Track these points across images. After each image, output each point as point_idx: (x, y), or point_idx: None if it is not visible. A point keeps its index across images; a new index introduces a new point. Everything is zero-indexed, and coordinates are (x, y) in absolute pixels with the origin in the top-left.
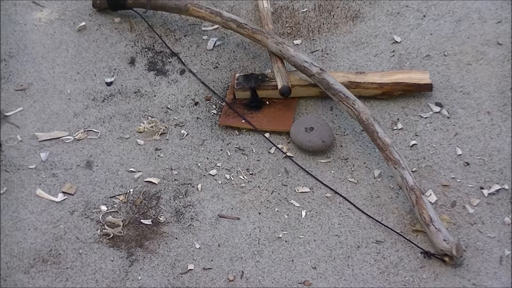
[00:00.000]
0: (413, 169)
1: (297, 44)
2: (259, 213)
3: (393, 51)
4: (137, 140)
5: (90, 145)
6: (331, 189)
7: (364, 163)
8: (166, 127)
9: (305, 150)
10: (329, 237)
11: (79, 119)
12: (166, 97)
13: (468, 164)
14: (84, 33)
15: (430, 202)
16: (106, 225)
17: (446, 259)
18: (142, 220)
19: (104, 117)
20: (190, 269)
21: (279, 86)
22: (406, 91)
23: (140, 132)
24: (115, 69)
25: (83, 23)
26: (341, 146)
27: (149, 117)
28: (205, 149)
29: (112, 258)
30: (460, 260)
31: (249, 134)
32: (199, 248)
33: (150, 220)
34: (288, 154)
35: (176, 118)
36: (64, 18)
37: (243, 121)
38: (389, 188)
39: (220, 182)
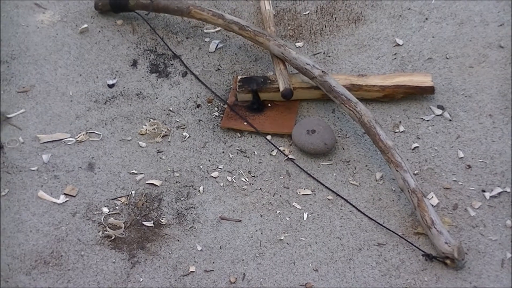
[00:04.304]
0: (415, 172)
1: (299, 46)
2: (261, 216)
3: (395, 53)
4: (139, 142)
5: (92, 147)
6: (332, 191)
7: (366, 165)
8: (168, 129)
9: (307, 153)
10: (330, 239)
11: (81, 121)
12: (168, 99)
13: (470, 167)
14: (86, 35)
15: (432, 205)
16: (108, 227)
17: (448, 261)
18: (143, 222)
19: (106, 119)
20: (191, 271)
21: (281, 89)
22: (408, 94)
23: (142, 134)
24: (117, 71)
25: (85, 25)
26: (343, 148)
27: (151, 119)
28: (207, 151)
29: (114, 260)
30: (462, 263)
31: (251, 137)
32: (200, 250)
33: (152, 222)
34: (290, 156)
35: (178, 120)
36: (66, 20)
37: (245, 123)
38: (390, 190)
39: (222, 184)
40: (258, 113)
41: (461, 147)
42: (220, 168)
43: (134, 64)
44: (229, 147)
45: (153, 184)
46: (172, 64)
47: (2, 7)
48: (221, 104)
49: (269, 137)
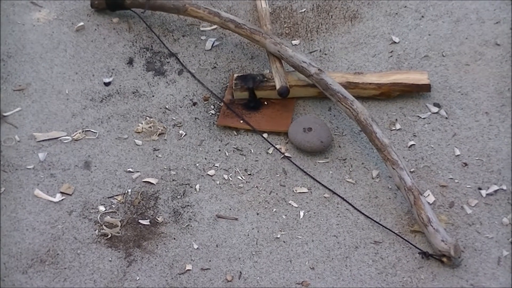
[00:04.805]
0: (411, 170)
1: (295, 44)
2: (257, 214)
3: (391, 51)
4: (135, 140)
5: (88, 145)
6: (329, 189)
7: (362, 163)
8: (164, 127)
9: (303, 151)
10: (327, 237)
11: (77, 119)
12: (165, 98)
13: (466, 164)
14: (82, 33)
15: (428, 203)
16: (104, 225)
17: (444, 259)
18: (140, 221)
19: (102, 117)
20: (188, 270)
21: (277, 87)
22: (404, 92)
23: (138, 132)
24: (113, 69)
25: (82, 23)
26: (339, 146)
27: (147, 118)
28: (203, 149)
29: (110, 259)
30: (458, 260)
31: (247, 135)
32: (197, 248)
33: (148, 220)
34: (286, 154)
35: (174, 118)
36: (62, 18)
37: (241, 121)
38: (387, 188)
39: (218, 182)
40: (254, 111)
41: (458, 145)
42: (217, 166)
43: (130, 62)
44: (226, 145)
45: (149, 182)
46: (168, 62)
47: None
48: (218, 102)
49: (265, 135)
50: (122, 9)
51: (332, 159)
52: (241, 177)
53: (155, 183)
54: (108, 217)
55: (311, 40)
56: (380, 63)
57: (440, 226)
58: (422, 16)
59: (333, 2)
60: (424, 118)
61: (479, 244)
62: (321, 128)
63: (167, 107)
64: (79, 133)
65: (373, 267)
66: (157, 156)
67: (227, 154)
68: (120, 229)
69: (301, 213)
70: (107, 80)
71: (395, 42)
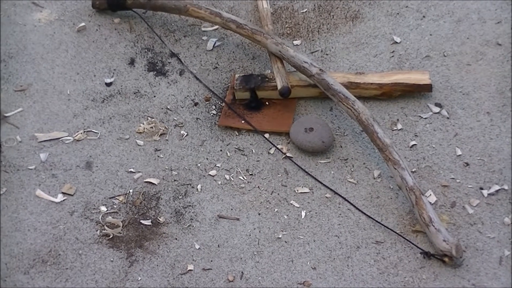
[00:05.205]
0: (413, 170)
1: (296, 44)
2: (259, 214)
3: (393, 51)
4: (137, 140)
5: (89, 145)
6: (330, 189)
7: (364, 163)
8: (165, 127)
9: (304, 151)
10: (328, 237)
11: (78, 120)
12: (166, 98)
13: (467, 164)
14: (84, 34)
15: (430, 203)
16: (106, 225)
17: (446, 259)
18: (141, 221)
19: (103, 118)
20: (189, 270)
21: (279, 87)
22: (406, 92)
23: (140, 132)
24: (114, 70)
25: (83, 24)
26: (341, 146)
27: (148, 118)
28: (204, 149)
29: (112, 259)
30: (460, 260)
31: (249, 135)
32: (198, 248)
33: (150, 220)
34: (287, 154)
35: (175, 118)
36: (63, 18)
37: (243, 121)
38: (388, 188)
39: (219, 182)
40: (256, 111)
41: (459, 145)
42: (218, 167)
43: (132, 62)
44: (227, 145)
45: (151, 182)
46: (169, 63)
47: (0, 5)
48: (219, 102)
49: (267, 135)
50: (123, 10)
51: (333, 159)
52: (243, 177)
53: (156, 183)
54: (110, 217)
55: (313, 40)
56: (382, 63)
57: (441, 226)
58: (424, 16)
59: (334, 2)
60: (425, 118)
61: (481, 244)
62: (322, 128)
63: (168, 107)
64: (81, 133)
65: (374, 267)
66: (158, 156)
67: (228, 154)
68: (121, 230)
69: (303, 213)
70: (108, 80)
71: (396, 42)
